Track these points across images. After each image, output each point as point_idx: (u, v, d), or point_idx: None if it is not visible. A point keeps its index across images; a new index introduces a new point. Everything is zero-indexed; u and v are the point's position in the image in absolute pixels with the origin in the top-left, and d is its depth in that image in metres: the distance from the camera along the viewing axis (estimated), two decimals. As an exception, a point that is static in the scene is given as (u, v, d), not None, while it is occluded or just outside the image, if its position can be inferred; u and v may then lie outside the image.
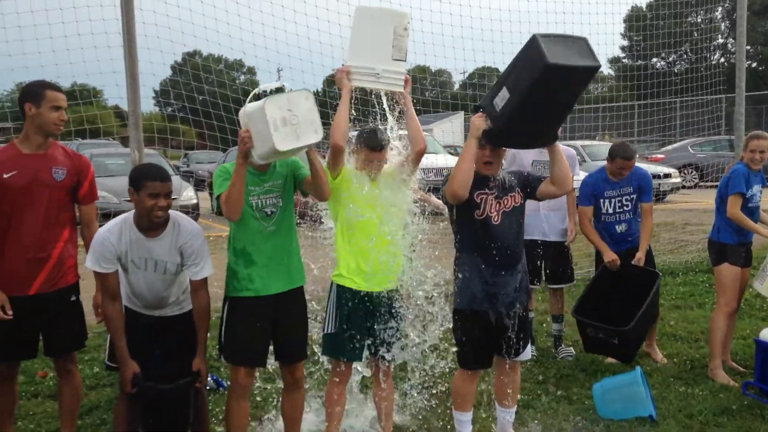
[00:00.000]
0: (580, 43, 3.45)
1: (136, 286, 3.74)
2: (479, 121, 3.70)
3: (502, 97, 3.54)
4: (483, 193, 3.87)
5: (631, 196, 5.69)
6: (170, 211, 3.67)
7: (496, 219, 3.87)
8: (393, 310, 3.97)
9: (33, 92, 3.73)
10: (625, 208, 5.67)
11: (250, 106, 3.44)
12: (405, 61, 3.95)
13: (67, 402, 4.05)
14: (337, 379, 3.97)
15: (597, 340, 5.39)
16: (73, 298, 3.92)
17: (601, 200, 5.67)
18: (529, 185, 4.01)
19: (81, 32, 5.61)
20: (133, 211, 3.66)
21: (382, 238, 3.89)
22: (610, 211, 5.67)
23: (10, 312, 3.70)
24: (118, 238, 3.62)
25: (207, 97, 8.64)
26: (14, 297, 3.74)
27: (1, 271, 3.75)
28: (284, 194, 3.76)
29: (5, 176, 3.67)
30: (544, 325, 6.62)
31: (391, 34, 3.86)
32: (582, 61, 3.38)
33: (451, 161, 15.22)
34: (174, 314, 3.88)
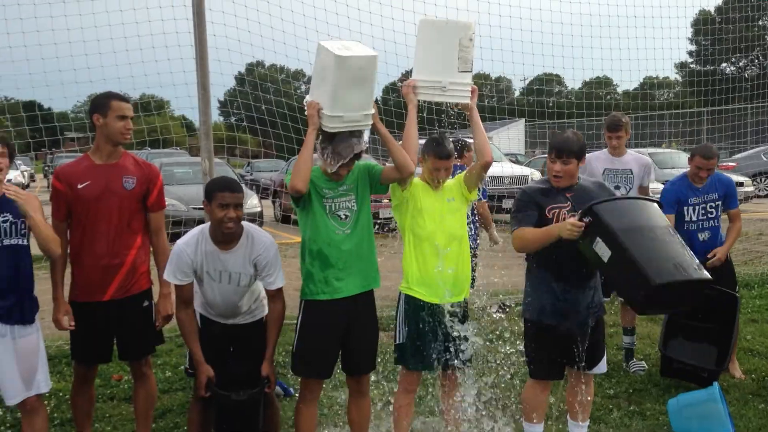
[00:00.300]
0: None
1: (210, 296, 3.81)
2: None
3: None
4: (556, 207, 3.78)
5: (716, 203, 5.48)
6: (244, 223, 3.73)
7: None
8: (461, 321, 3.94)
9: (100, 103, 3.86)
10: (709, 215, 5.47)
11: None
12: (471, 72, 3.91)
13: (143, 405, 4.15)
14: (407, 389, 3.96)
15: (678, 369, 5.24)
16: (146, 304, 4.02)
17: (685, 207, 5.45)
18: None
19: (155, 45, 5.79)
20: (209, 223, 3.74)
21: (449, 249, 3.88)
22: (694, 218, 5.46)
23: (73, 323, 3.85)
24: (195, 251, 3.69)
25: (269, 107, 8.78)
26: (90, 302, 3.87)
27: (78, 278, 3.90)
28: (359, 197, 3.78)
29: (79, 186, 3.81)
30: (614, 338, 6.44)
31: (456, 46, 3.82)
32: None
33: (515, 169, 15.08)
34: (246, 322, 3.94)
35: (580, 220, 3.47)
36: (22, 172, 21.69)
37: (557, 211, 3.76)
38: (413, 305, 3.87)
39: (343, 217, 3.72)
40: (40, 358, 3.65)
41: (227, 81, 7.60)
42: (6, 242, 3.50)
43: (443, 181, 3.97)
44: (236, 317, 3.91)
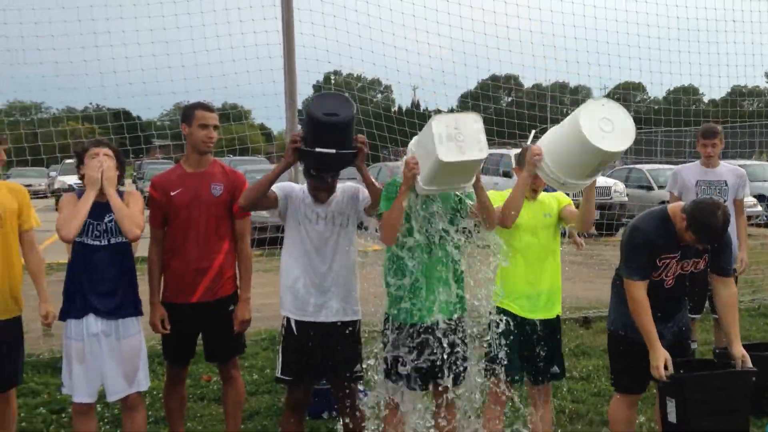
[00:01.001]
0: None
1: None
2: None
3: None
4: (667, 257, 3.66)
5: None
6: None
7: (669, 282, 3.71)
8: (552, 337, 3.90)
9: (187, 113, 4.02)
10: None
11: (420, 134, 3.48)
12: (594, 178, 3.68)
13: (231, 406, 4.25)
14: (498, 400, 3.93)
15: None
16: (231, 308, 4.13)
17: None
18: (716, 262, 3.76)
19: (248, 57, 5.97)
20: None
21: (545, 262, 3.86)
22: None
23: (168, 326, 4.00)
24: None
25: None
26: (179, 304, 4.02)
27: (169, 280, 4.05)
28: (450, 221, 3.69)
29: (172, 194, 3.98)
30: (707, 356, 6.19)
31: (592, 165, 3.52)
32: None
33: (598, 180, 14.76)
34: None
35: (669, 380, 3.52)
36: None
37: (668, 261, 3.66)
38: (506, 319, 3.82)
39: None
40: (142, 358, 3.81)
41: (306, 90, 7.76)
42: (113, 241, 3.69)
43: (540, 189, 3.93)
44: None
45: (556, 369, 3.95)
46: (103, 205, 3.68)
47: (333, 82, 15.39)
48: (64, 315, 3.72)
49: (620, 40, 8.91)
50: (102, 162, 3.66)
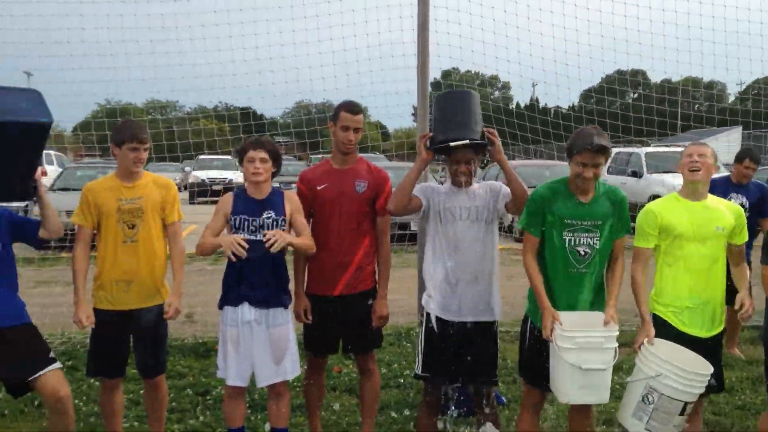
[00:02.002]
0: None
1: None
2: None
3: None
4: None
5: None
6: None
7: None
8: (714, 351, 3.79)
9: (335, 111, 4.13)
10: None
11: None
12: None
13: (368, 399, 4.36)
14: None
15: None
16: (370, 302, 4.21)
17: None
18: None
19: (382, 55, 6.06)
20: None
21: (710, 272, 3.74)
22: None
23: (311, 317, 4.15)
24: None
25: None
26: (321, 296, 4.16)
27: (313, 272, 4.19)
28: (602, 236, 3.61)
29: (318, 188, 4.12)
30: None
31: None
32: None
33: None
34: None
35: None
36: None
37: None
38: (668, 331, 3.72)
39: (583, 253, 3.61)
40: (290, 347, 3.97)
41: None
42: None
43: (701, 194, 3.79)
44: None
45: (713, 381, 3.78)
46: (259, 203, 3.88)
47: (452, 79, 15.38)
48: (222, 302, 3.95)
49: (764, 31, 8.34)
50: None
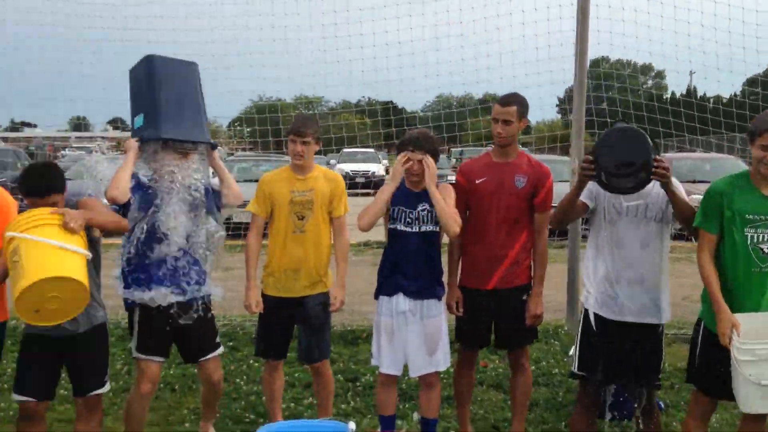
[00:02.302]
0: None
1: None
2: None
3: None
4: None
5: None
6: None
7: None
8: None
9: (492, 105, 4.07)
10: None
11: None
12: None
13: (519, 395, 4.27)
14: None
15: None
16: (524, 297, 4.12)
17: None
18: None
19: (539, 45, 5.92)
20: None
21: None
22: None
23: (462, 309, 4.12)
24: None
25: (611, 106, 8.40)
26: (474, 289, 4.11)
27: (467, 264, 4.16)
28: None
29: (477, 182, 4.07)
30: None
31: None
32: None
33: None
34: None
35: None
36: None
37: None
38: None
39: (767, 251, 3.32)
40: (442, 339, 3.97)
41: (567, 77, 7.54)
42: (423, 229, 3.90)
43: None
44: None
45: None
46: (416, 195, 3.91)
47: (602, 67, 14.74)
48: (378, 292, 4.02)
49: None
50: (407, 161, 3.85)
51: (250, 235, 4.18)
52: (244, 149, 21.22)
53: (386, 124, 13.25)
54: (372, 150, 24.09)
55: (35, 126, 49.43)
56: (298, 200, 4.08)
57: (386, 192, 3.88)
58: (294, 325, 4.23)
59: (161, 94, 3.85)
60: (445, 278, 4.08)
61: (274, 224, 4.13)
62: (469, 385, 4.44)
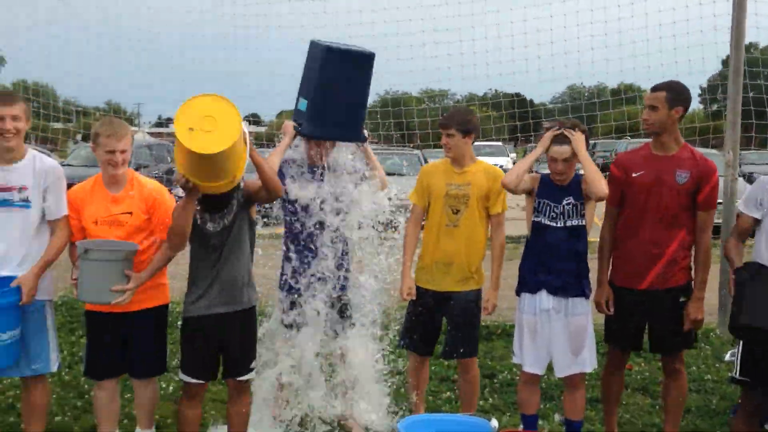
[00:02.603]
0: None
1: None
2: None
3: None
4: None
5: None
6: None
7: None
8: None
9: None
10: None
11: None
12: None
13: (673, 401, 4.03)
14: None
15: None
16: (682, 299, 3.87)
17: None
18: None
19: (690, 31, 5.59)
20: None
21: None
22: None
23: (613, 308, 3.93)
24: None
25: (758, 94, 7.77)
26: (626, 288, 3.92)
27: (619, 262, 3.97)
28: None
29: (634, 175, 3.86)
30: None
31: None
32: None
33: None
34: None
35: None
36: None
37: None
38: None
39: None
40: (588, 338, 3.83)
41: (708, 67, 7.11)
42: (568, 223, 3.78)
43: None
44: None
45: None
46: (562, 189, 3.80)
47: (751, 53, 13.74)
48: (520, 288, 3.92)
49: None
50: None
51: (408, 225, 4.24)
52: (370, 142, 21.59)
53: (513, 117, 13.01)
54: (499, 143, 23.75)
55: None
56: (453, 194, 4.06)
57: (536, 153, 3.83)
58: (442, 320, 4.21)
59: (326, 92, 3.92)
60: (591, 276, 3.92)
61: (429, 216, 4.13)
62: (619, 388, 4.23)
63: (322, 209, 4.04)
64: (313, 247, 4.06)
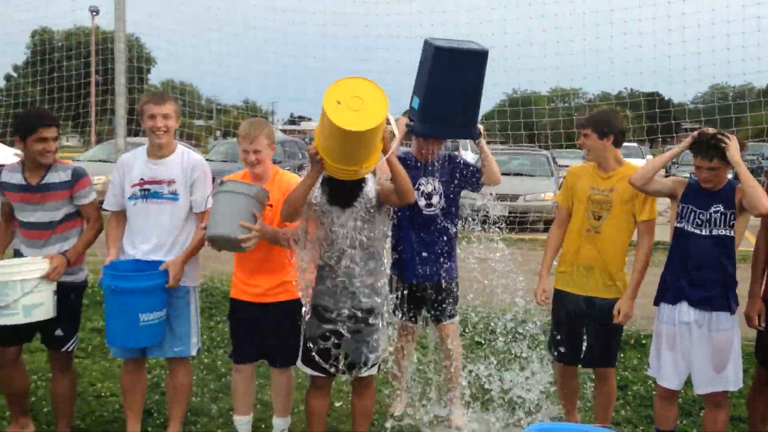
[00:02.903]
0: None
1: None
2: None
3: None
4: None
5: None
6: None
7: None
8: None
9: None
10: None
11: None
12: None
13: None
14: None
15: None
16: None
17: None
18: None
19: None
20: None
21: None
22: None
23: (764, 324, 3.68)
24: None
25: None
26: None
27: None
28: None
29: None
30: None
31: None
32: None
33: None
34: None
35: None
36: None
37: None
38: None
39: None
40: (733, 355, 3.57)
41: None
42: (714, 232, 3.54)
43: None
44: None
45: None
46: (711, 195, 3.56)
47: None
48: (659, 298, 3.72)
49: None
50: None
51: (552, 225, 4.17)
52: (496, 142, 21.32)
53: (650, 117, 12.37)
54: (635, 144, 22.67)
55: (310, 120, 54.44)
56: (596, 199, 3.90)
57: (670, 154, 3.70)
58: (583, 327, 4.03)
59: (437, 91, 3.92)
60: (739, 289, 3.63)
61: (572, 219, 4.02)
62: (766, 408, 3.92)
63: (430, 205, 4.18)
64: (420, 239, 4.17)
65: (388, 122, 3.23)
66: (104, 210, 3.92)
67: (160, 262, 3.71)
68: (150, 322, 3.64)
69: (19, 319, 3.61)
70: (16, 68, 45.31)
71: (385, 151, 3.25)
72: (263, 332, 3.83)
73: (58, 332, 3.86)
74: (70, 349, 3.97)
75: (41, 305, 3.66)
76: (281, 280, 3.74)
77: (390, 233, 3.73)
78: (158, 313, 3.69)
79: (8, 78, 47.41)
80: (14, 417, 4.06)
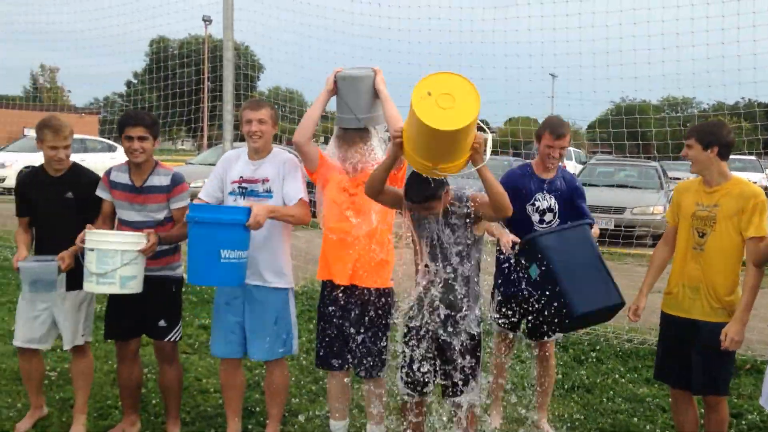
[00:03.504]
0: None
1: None
2: None
3: None
4: None
5: None
6: None
7: None
8: None
9: None
10: None
11: None
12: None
13: None
14: None
15: None
16: None
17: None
18: None
19: None
20: None
21: None
22: None
23: None
24: None
25: None
26: None
27: None
28: None
29: None
30: None
31: None
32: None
33: None
34: None
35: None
36: None
37: None
38: None
39: None
40: None
41: None
42: None
43: None
44: None
45: None
46: None
47: None
48: None
49: None
50: None
51: (659, 242, 4.02)
52: (602, 152, 20.65)
53: (766, 129, 11.59)
54: (753, 157, 21.31)
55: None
56: (700, 215, 3.69)
57: None
58: (690, 350, 3.77)
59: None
60: None
61: (678, 237, 3.82)
62: None
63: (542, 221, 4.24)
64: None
65: (483, 133, 3.12)
66: (200, 199, 4.05)
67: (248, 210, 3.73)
68: (231, 260, 3.62)
69: (115, 289, 3.72)
70: (135, 75, 48.14)
71: (474, 163, 3.16)
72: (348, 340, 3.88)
73: (162, 323, 4.06)
74: (173, 339, 4.14)
75: (135, 278, 3.75)
76: (368, 267, 3.82)
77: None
78: (239, 252, 3.66)
79: (128, 84, 50.54)
80: (125, 412, 4.26)
